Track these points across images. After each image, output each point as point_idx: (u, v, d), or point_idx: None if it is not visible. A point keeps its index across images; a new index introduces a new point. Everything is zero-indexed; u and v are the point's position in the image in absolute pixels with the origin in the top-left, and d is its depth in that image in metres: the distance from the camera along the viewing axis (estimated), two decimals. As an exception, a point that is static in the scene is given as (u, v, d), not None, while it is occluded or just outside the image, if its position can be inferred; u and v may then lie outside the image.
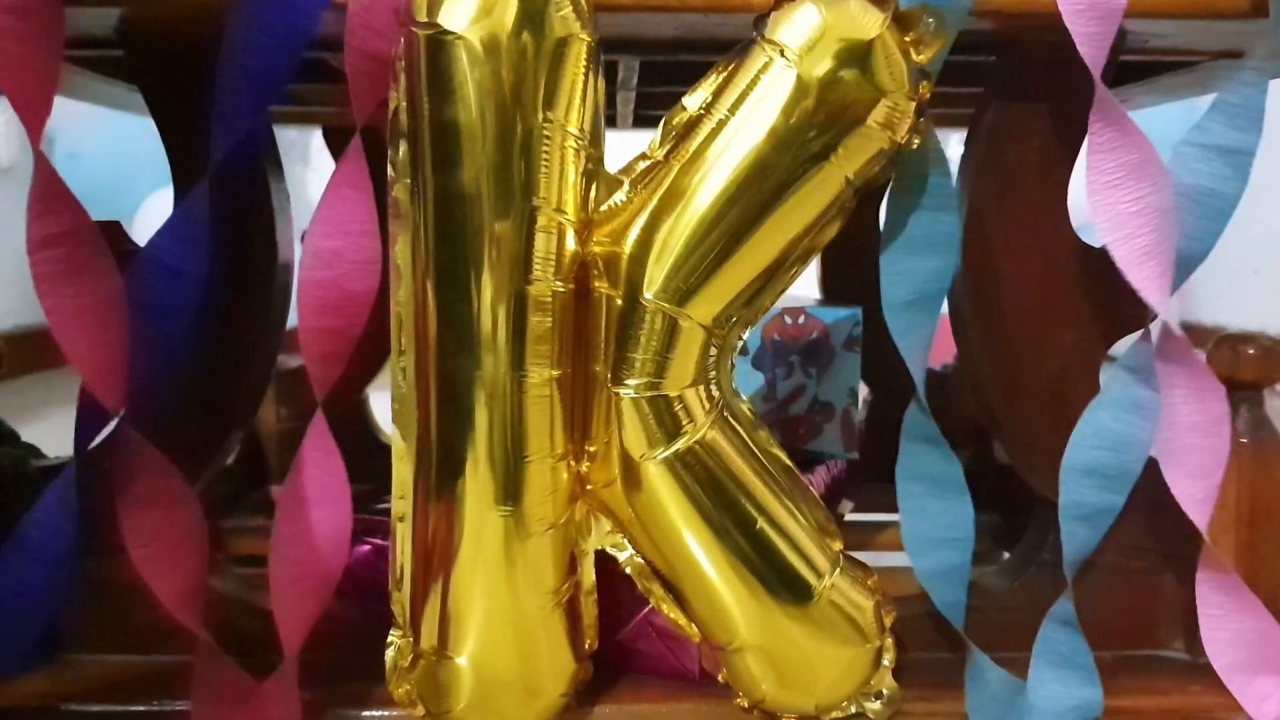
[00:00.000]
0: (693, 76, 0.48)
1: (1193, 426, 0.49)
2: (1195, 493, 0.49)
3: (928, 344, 0.50)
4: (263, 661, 0.49)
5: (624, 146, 0.51)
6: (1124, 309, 0.53)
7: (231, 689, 0.49)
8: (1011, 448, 0.57)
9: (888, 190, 0.50)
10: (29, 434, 0.65)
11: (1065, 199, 0.55)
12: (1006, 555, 0.68)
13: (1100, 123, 0.47)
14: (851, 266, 0.87)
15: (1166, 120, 0.66)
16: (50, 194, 0.44)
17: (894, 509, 0.81)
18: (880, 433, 0.85)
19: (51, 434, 0.62)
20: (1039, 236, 0.54)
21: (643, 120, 0.82)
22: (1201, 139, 0.48)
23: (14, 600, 0.47)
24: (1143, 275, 0.47)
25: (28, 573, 0.46)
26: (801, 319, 0.73)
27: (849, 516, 0.74)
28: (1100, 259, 0.54)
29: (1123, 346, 0.56)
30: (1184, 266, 0.48)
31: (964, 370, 0.56)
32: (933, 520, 0.52)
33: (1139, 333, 0.50)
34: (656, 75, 0.66)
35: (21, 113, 0.44)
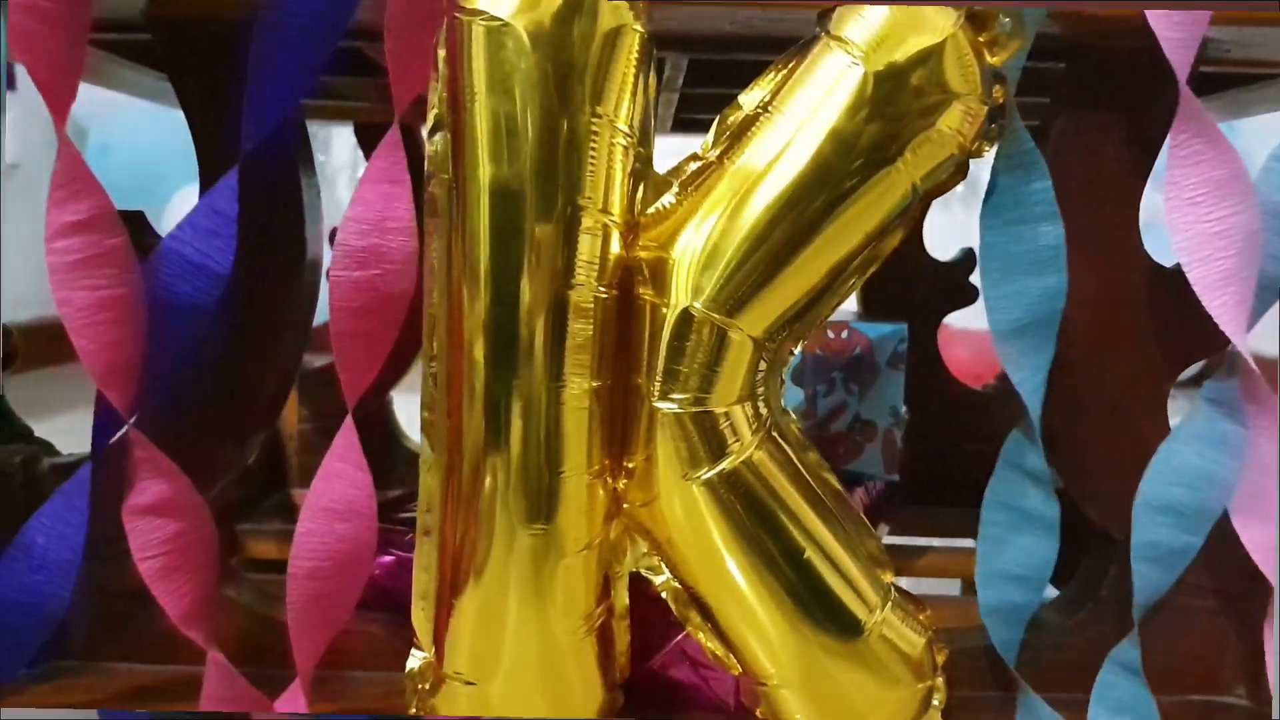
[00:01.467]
0: (741, 78, 0.46)
1: (1267, 469, 0.46)
2: (1267, 540, 0.46)
3: (1045, 372, 0.48)
4: (277, 675, 0.48)
5: (663, 152, 0.49)
6: (1196, 333, 0.51)
7: (243, 705, 0.47)
8: (1069, 476, 0.55)
9: (983, 203, 0.48)
10: (43, 429, 0.65)
11: (1136, 214, 0.52)
12: (1056, 592, 0.65)
13: (1185, 134, 0.44)
14: (893, 279, 0.84)
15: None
16: (73, 180, 0.43)
17: (932, 533, 0.80)
18: (920, 454, 0.83)
19: (66, 430, 0.62)
20: (1107, 254, 0.52)
21: (684, 124, 0.81)
22: None
23: (15, 606, 0.45)
24: (1220, 301, 0.45)
25: (30, 578, 0.45)
26: (845, 333, 0.71)
27: (885, 540, 0.72)
28: (1172, 279, 0.51)
29: (1190, 373, 0.54)
30: (1268, 292, 0.46)
31: (1015, 392, 0.53)
32: (1011, 554, 0.50)
33: (1209, 361, 0.48)
34: (703, 76, 0.64)
35: (46, 95, 0.43)
